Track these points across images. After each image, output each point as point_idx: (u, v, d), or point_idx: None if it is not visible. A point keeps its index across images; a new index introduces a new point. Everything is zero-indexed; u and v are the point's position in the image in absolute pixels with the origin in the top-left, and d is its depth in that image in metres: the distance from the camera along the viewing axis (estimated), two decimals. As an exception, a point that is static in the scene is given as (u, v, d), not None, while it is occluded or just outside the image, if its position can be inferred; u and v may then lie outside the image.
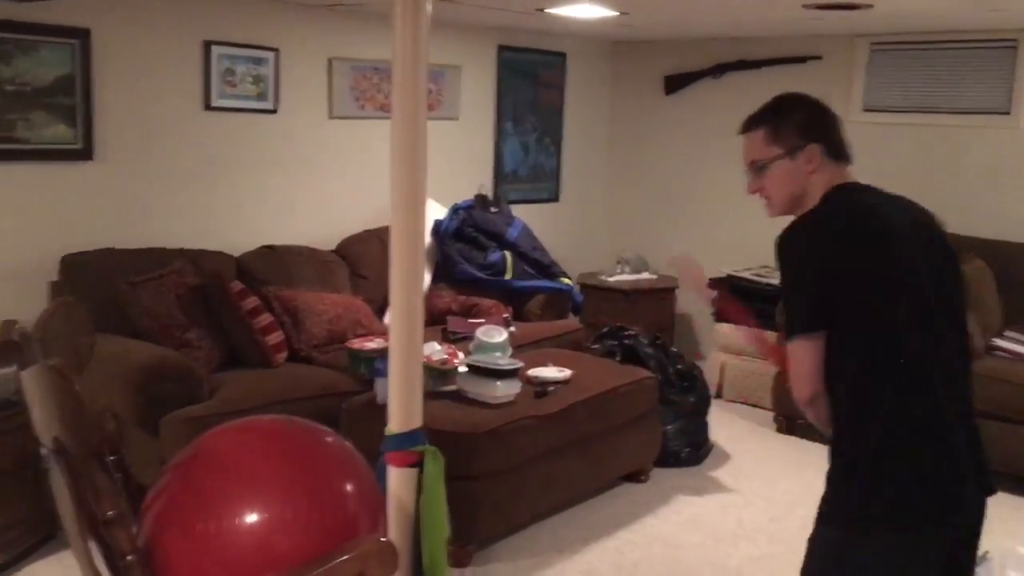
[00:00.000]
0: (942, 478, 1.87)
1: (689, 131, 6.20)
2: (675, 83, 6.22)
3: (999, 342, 4.49)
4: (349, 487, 1.73)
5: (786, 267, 1.96)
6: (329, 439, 1.82)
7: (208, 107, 4.38)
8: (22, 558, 3.27)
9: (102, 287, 3.73)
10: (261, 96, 4.57)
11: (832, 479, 1.94)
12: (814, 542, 1.97)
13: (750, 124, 2.08)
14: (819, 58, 5.56)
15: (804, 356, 1.90)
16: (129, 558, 1.56)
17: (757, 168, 2.07)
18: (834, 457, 1.95)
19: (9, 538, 3.21)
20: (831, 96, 6.15)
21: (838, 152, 2.04)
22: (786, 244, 1.95)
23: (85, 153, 3.97)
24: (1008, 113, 4.99)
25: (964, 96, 5.15)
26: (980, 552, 2.81)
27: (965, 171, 5.16)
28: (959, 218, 5.06)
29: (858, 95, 5.42)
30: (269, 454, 1.71)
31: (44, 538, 3.38)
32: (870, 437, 1.87)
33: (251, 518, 1.60)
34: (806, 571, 1.98)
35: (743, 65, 5.84)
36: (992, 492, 1.96)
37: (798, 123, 2.03)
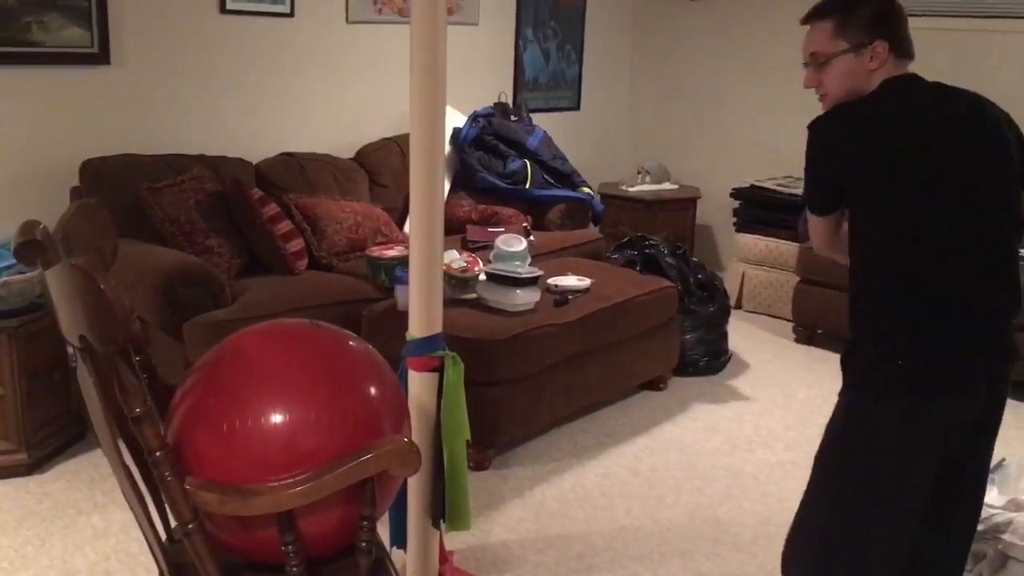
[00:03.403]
0: (949, 355, 1.90)
1: (714, 37, 6.05)
2: (700, -13, 6.05)
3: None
4: (372, 389, 1.75)
5: (812, 148, 1.95)
6: (352, 342, 1.83)
7: (224, 10, 4.31)
8: (52, 457, 3.36)
9: (122, 192, 3.73)
10: (277, -1, 4.49)
11: (847, 349, 2.01)
12: (834, 412, 2.04)
13: (817, 14, 1.99)
14: (851, -40, 5.39)
15: (817, 229, 2.05)
16: (158, 454, 1.59)
17: (818, 62, 1.99)
18: (851, 329, 2.01)
19: (39, 438, 3.29)
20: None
21: (904, 49, 1.98)
22: (820, 128, 1.94)
23: (102, 57, 3.93)
24: (1045, 17, 4.84)
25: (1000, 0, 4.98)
26: (996, 459, 2.84)
27: (998, 78, 5.03)
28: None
29: (890, -1, 5.25)
30: (295, 356, 1.72)
31: (73, 438, 3.47)
32: (884, 308, 1.93)
33: (277, 418, 1.62)
34: (827, 435, 2.05)
35: (772, -33, 5.67)
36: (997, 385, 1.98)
37: (868, 17, 1.94)
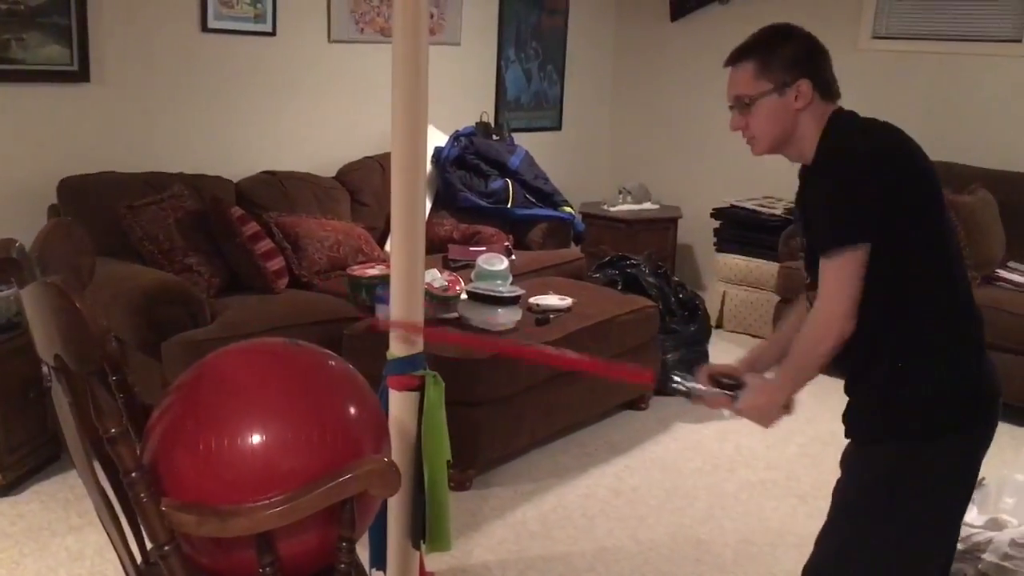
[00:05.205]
0: (990, 383, 1.89)
1: (694, 58, 6.10)
2: (680, 8, 6.10)
3: (1001, 272, 4.48)
4: (352, 408, 1.73)
5: (851, 174, 1.82)
6: (332, 362, 1.82)
7: (205, 29, 4.30)
8: (26, 478, 3.31)
9: (101, 211, 3.71)
10: (259, 18, 4.49)
11: (875, 394, 1.91)
12: (867, 461, 1.95)
13: (737, 56, 1.98)
14: (829, -17, 5.45)
15: (852, 271, 1.80)
16: (133, 475, 1.57)
17: (742, 104, 1.97)
18: (873, 373, 1.90)
19: (13, 459, 3.24)
20: (840, 23, 6.06)
21: (829, 89, 1.95)
22: (854, 156, 1.83)
23: (82, 75, 3.91)
24: (1019, 41, 4.90)
25: (974, 23, 5.05)
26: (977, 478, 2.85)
27: (972, 100, 5.09)
28: (965, 148, 5.03)
29: (868, 22, 5.31)
30: (274, 375, 1.71)
31: (48, 459, 3.43)
32: (924, 345, 1.86)
33: (255, 438, 1.60)
34: (863, 490, 1.94)
35: (751, -10, 5.72)
36: None
37: (788, 56, 1.92)
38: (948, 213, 1.92)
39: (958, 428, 1.87)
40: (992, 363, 1.92)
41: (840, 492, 2.00)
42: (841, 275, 1.81)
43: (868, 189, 1.80)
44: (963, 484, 1.93)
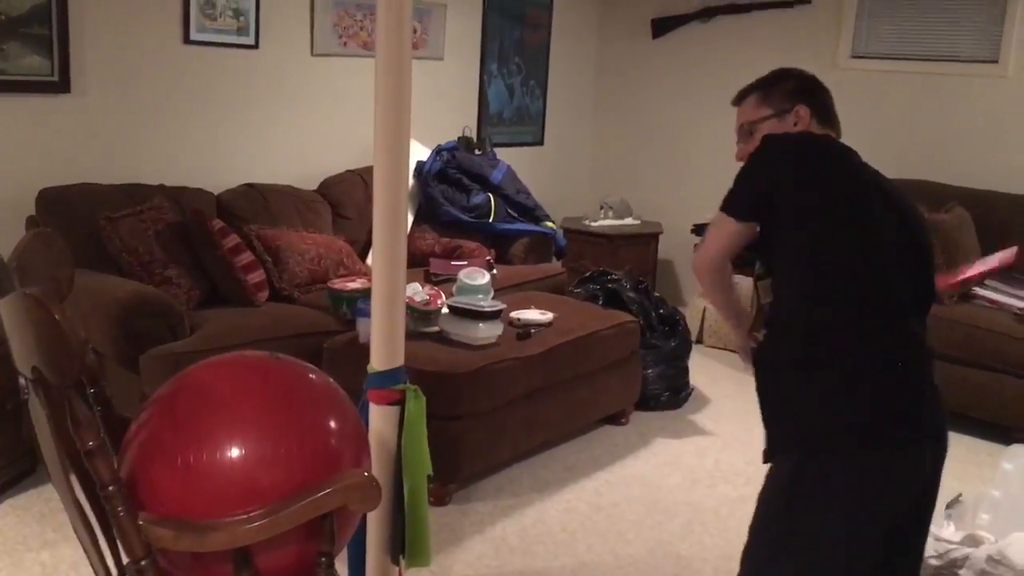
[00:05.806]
0: (897, 409, 1.86)
1: (676, 76, 6.15)
2: (662, 26, 6.15)
3: (978, 290, 4.52)
4: (332, 422, 1.73)
5: (768, 154, 1.99)
6: (313, 375, 1.81)
7: (187, 41, 4.29)
8: (1, 492, 3.27)
9: (80, 222, 3.68)
10: (242, 31, 4.48)
11: (776, 405, 1.98)
12: (771, 474, 1.99)
13: (742, 94, 2.15)
14: (808, 2, 5.50)
15: (722, 236, 2.03)
16: (111, 488, 1.55)
17: (746, 132, 2.12)
18: (776, 387, 2.00)
19: (-11, 472, 3.21)
20: (819, 42, 6.12)
21: (827, 117, 2.09)
22: (766, 144, 2.00)
23: (62, 86, 3.89)
24: (996, 62, 4.97)
25: (953, 44, 5.12)
26: (953, 495, 2.87)
27: (950, 120, 5.16)
28: (942, 166, 5.09)
29: (847, 41, 5.37)
30: (253, 388, 1.70)
31: (24, 472, 3.39)
32: (818, 359, 1.89)
33: (234, 451, 1.59)
34: (765, 503, 1.98)
35: (732, 9, 5.78)
36: (942, 441, 1.94)
37: (788, 88, 2.09)
38: (894, 238, 1.92)
39: (850, 446, 1.84)
40: (921, 390, 1.88)
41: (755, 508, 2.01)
42: (712, 228, 2.06)
43: (767, 176, 1.96)
44: (872, 505, 1.85)
